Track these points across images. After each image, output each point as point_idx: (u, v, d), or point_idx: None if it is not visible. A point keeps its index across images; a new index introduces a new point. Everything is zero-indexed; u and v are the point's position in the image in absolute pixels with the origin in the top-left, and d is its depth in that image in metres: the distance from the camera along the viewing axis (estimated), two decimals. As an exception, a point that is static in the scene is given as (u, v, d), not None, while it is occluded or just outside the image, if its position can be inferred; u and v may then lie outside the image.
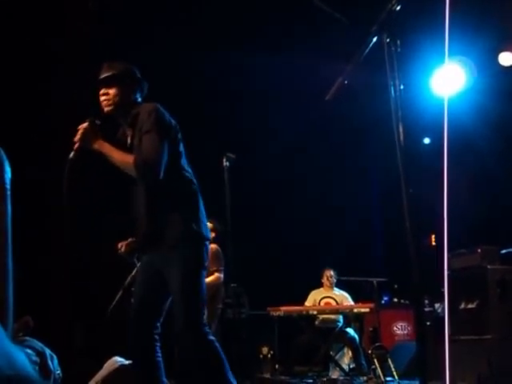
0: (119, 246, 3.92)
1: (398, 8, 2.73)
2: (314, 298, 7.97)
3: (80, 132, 3.53)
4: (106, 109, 3.59)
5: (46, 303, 7.33)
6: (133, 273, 5.16)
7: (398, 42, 2.79)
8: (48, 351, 4.03)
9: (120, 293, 5.36)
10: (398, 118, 2.74)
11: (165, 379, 3.49)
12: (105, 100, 3.58)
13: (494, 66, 7.37)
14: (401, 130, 2.72)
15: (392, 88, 2.78)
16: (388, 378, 6.70)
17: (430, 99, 7.74)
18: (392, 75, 2.78)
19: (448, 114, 3.74)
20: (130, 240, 3.88)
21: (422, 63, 7.47)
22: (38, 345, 4.00)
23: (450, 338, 5.32)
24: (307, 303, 7.94)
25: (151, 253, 3.57)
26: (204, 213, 3.61)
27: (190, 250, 3.46)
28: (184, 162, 3.62)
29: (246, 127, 8.61)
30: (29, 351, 3.75)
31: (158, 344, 3.50)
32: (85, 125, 3.54)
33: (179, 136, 3.60)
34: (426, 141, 9.22)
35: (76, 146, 3.53)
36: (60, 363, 4.18)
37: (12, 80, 7.08)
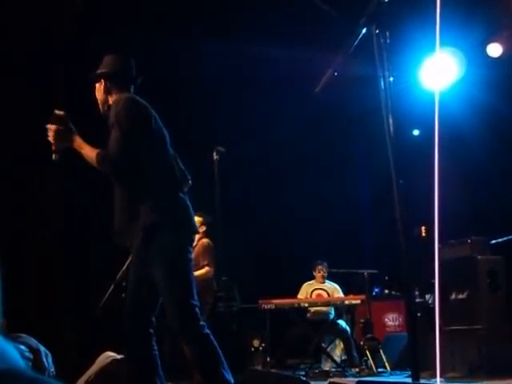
0: None
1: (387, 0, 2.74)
2: (306, 291, 7.97)
3: (52, 133, 3.42)
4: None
5: (36, 298, 7.30)
6: (124, 267, 5.16)
7: (387, 33, 2.80)
8: (43, 348, 4.02)
9: (111, 288, 5.35)
10: (387, 110, 2.75)
11: (161, 372, 3.46)
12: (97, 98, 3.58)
13: (483, 58, 7.38)
14: (390, 121, 2.73)
15: (381, 79, 2.78)
16: (380, 369, 6.73)
17: (419, 90, 7.74)
18: (381, 67, 2.78)
19: (438, 105, 3.74)
20: None
21: (411, 54, 7.47)
22: (33, 341, 3.99)
23: (441, 329, 5.34)
24: (300, 295, 7.93)
25: (131, 244, 3.44)
26: (187, 202, 3.46)
27: (167, 238, 3.30)
28: (162, 150, 3.48)
29: (235, 120, 8.59)
30: (22, 347, 3.74)
31: (154, 338, 3.43)
32: (53, 126, 3.43)
33: (156, 124, 3.46)
34: (416, 132, 9.23)
35: (53, 148, 3.44)
36: (52, 359, 4.18)
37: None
